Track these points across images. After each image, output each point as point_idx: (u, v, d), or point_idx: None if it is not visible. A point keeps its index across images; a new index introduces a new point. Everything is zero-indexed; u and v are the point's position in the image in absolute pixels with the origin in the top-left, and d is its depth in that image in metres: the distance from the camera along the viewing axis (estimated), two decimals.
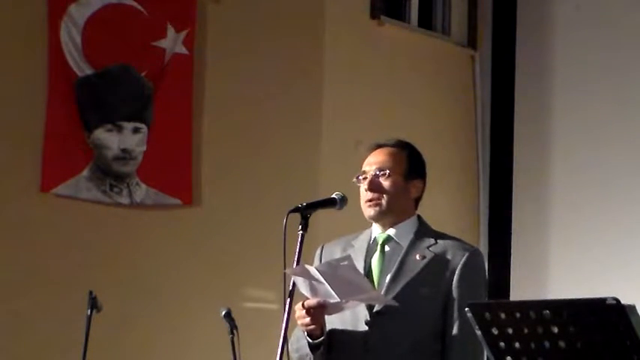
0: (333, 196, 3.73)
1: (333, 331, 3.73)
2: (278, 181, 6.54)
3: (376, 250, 3.78)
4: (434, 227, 3.87)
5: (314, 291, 3.57)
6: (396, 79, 7.19)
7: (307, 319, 3.60)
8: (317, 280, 3.52)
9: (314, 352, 3.67)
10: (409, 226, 3.80)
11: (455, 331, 3.67)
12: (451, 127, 7.49)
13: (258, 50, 6.66)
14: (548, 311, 2.57)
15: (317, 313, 3.60)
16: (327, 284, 3.51)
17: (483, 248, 7.33)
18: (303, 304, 3.60)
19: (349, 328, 3.70)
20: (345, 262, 3.58)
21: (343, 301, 3.55)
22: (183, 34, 6.54)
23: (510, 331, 2.64)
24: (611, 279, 6.67)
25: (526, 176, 7.44)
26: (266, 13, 6.73)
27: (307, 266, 3.61)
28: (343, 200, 3.73)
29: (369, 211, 3.77)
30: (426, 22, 7.62)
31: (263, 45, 6.67)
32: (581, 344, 2.55)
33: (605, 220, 6.99)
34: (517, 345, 2.64)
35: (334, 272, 3.53)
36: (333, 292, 3.52)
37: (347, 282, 3.55)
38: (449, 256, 3.73)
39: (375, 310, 3.68)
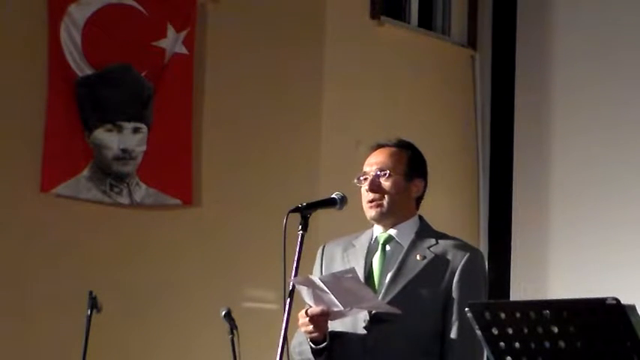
0: (333, 196, 3.73)
1: (332, 332, 3.75)
2: (278, 181, 6.54)
3: (377, 250, 3.79)
4: (434, 227, 3.87)
5: (317, 299, 3.58)
6: (396, 79, 7.19)
7: (310, 327, 3.60)
8: (321, 289, 3.53)
9: (317, 358, 3.67)
10: (410, 226, 3.80)
11: (454, 331, 3.67)
12: (451, 127, 7.49)
13: (258, 50, 6.66)
14: (548, 311, 2.57)
15: (320, 320, 3.61)
16: (331, 294, 3.52)
17: (483, 248, 7.33)
18: (306, 312, 3.61)
19: (349, 327, 3.71)
20: (350, 275, 3.58)
21: (347, 309, 3.55)
22: (183, 34, 6.54)
23: (510, 331, 2.64)
24: (611, 279, 6.67)
25: (526, 176, 7.44)
26: (266, 13, 6.73)
27: (311, 277, 3.63)
28: (343, 200, 3.73)
29: (370, 212, 3.78)
30: (426, 22, 7.63)
31: (263, 45, 6.67)
32: (581, 344, 2.55)
33: (605, 220, 6.99)
34: (517, 345, 2.64)
35: (338, 282, 3.54)
36: (337, 302, 3.53)
37: (351, 292, 3.56)
38: (449, 257, 3.73)
39: (374, 310, 3.68)
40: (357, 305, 3.57)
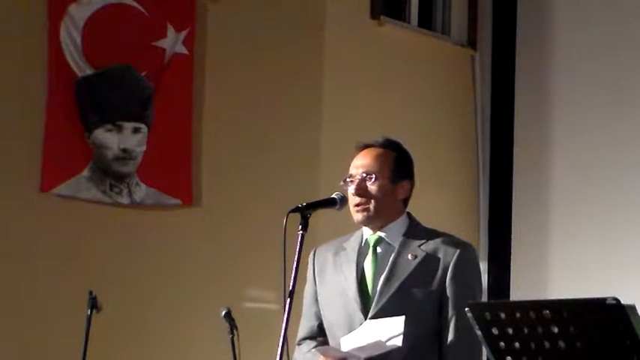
0: (333, 196, 3.73)
1: (331, 333, 3.77)
2: (278, 181, 6.54)
3: (368, 253, 3.78)
4: (434, 227, 3.86)
5: (337, 354, 3.65)
6: (396, 79, 7.19)
7: None
8: (344, 352, 3.61)
9: None
10: (399, 226, 3.80)
11: (451, 328, 3.67)
12: (451, 127, 7.49)
13: (258, 50, 6.67)
14: (548, 311, 2.58)
15: None
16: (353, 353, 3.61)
17: (483, 248, 7.33)
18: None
19: (346, 330, 3.71)
20: (374, 342, 3.62)
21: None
22: (183, 34, 6.54)
23: (510, 331, 2.64)
24: (611, 279, 6.67)
25: (526, 176, 7.44)
26: (266, 13, 6.73)
27: (333, 347, 3.70)
28: (343, 200, 3.73)
29: (357, 216, 3.78)
30: (426, 22, 7.63)
31: (263, 45, 6.67)
32: (581, 344, 2.55)
33: (605, 220, 6.99)
34: (517, 345, 2.64)
35: (362, 349, 3.61)
36: (359, 355, 3.61)
37: (371, 350, 3.60)
38: (441, 254, 3.72)
39: (370, 313, 3.68)
40: (376, 353, 3.63)
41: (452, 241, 3.78)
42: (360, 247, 3.80)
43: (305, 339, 3.86)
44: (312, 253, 3.91)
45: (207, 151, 6.56)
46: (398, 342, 3.58)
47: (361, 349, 3.59)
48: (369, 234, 3.81)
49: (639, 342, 2.48)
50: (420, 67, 7.38)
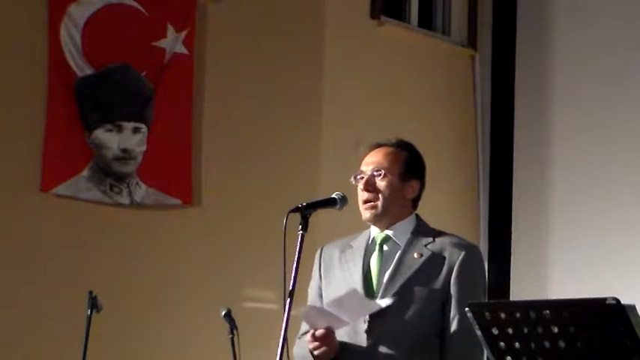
0: (333, 196, 3.74)
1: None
2: (278, 181, 6.54)
3: (375, 250, 3.80)
4: (434, 227, 3.87)
5: (321, 321, 3.63)
6: (396, 79, 7.19)
7: (323, 348, 3.64)
8: (328, 313, 3.60)
9: None
10: (407, 225, 3.81)
11: (453, 328, 3.68)
12: (451, 127, 7.49)
13: (258, 50, 6.67)
14: (548, 311, 2.58)
15: (329, 338, 3.64)
16: (337, 315, 3.60)
17: (483, 248, 7.32)
18: (313, 335, 3.64)
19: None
20: (351, 295, 3.61)
21: (351, 321, 3.63)
22: (183, 34, 6.54)
23: (510, 331, 2.64)
24: (611, 279, 6.67)
25: (526, 176, 7.44)
26: (266, 13, 6.73)
27: (316, 306, 3.72)
28: (343, 200, 3.73)
29: (365, 214, 3.80)
30: (426, 22, 7.63)
31: (263, 45, 6.67)
32: (581, 344, 2.55)
33: (605, 220, 6.99)
34: (517, 345, 2.64)
35: (341, 305, 3.60)
36: (344, 319, 3.59)
37: (354, 308, 3.61)
38: (447, 254, 3.74)
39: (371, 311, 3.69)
40: (358, 316, 3.62)
41: (458, 241, 3.79)
42: (367, 245, 3.82)
43: (305, 333, 3.86)
44: (319, 250, 3.93)
45: (207, 151, 6.56)
46: (382, 303, 3.61)
47: (338, 303, 3.58)
48: (376, 232, 3.82)
49: (639, 342, 2.48)
50: (420, 67, 7.38)
